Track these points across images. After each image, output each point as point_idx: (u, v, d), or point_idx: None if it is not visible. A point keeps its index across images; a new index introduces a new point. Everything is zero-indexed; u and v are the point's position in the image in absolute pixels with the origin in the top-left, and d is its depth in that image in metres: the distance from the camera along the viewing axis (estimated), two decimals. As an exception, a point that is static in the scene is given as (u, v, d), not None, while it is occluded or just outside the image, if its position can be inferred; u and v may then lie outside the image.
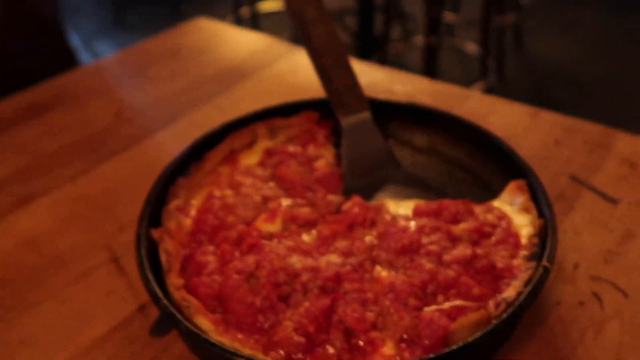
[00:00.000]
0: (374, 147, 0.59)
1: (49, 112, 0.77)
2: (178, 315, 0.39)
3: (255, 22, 2.61)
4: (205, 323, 0.40)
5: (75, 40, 2.87)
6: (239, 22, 2.60)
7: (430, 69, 2.11)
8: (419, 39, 2.39)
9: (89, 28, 3.15)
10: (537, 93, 2.37)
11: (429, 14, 2.02)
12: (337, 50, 0.59)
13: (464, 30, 2.65)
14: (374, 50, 2.33)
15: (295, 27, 0.60)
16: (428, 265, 0.44)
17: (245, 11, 2.63)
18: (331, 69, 0.59)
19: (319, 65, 0.59)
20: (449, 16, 2.52)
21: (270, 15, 2.66)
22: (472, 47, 2.41)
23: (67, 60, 1.06)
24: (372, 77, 0.79)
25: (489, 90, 2.17)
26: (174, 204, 0.50)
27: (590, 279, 0.49)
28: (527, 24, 2.66)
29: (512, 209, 0.49)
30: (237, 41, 0.94)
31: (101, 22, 3.23)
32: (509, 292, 0.41)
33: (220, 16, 1.00)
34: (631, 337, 0.44)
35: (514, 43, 2.58)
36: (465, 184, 0.57)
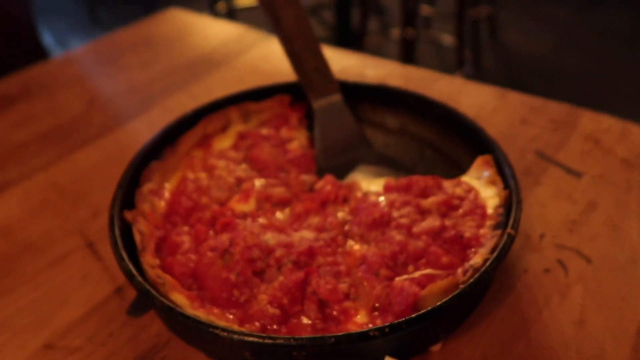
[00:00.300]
0: (345, 128, 0.60)
1: (19, 103, 0.76)
2: (153, 292, 0.40)
3: (232, 17, 2.60)
4: (180, 299, 0.41)
5: (48, 39, 2.82)
6: (215, 16, 2.58)
7: (407, 61, 2.13)
8: (396, 32, 2.42)
9: (63, 26, 3.09)
10: (512, 83, 2.41)
11: (405, 6, 2.04)
12: (306, 34, 0.60)
13: (440, 23, 2.68)
14: (352, 43, 2.35)
15: (265, 12, 0.61)
16: (398, 237, 0.45)
17: (221, 6, 2.62)
18: (301, 52, 0.60)
19: (289, 49, 0.60)
20: (425, 9, 2.55)
21: (247, 10, 2.65)
22: (448, 39, 2.44)
23: (40, 59, 1.05)
24: (344, 62, 0.80)
25: (465, 81, 2.20)
26: (147, 186, 0.50)
27: (555, 248, 0.51)
28: (502, 16, 2.71)
29: (480, 183, 0.51)
30: (209, 31, 0.94)
31: (75, 21, 3.18)
32: (476, 259, 0.42)
33: (196, 11, 1.00)
34: (593, 300, 0.46)
35: (489, 35, 2.62)
36: (435, 162, 0.59)
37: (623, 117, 0.65)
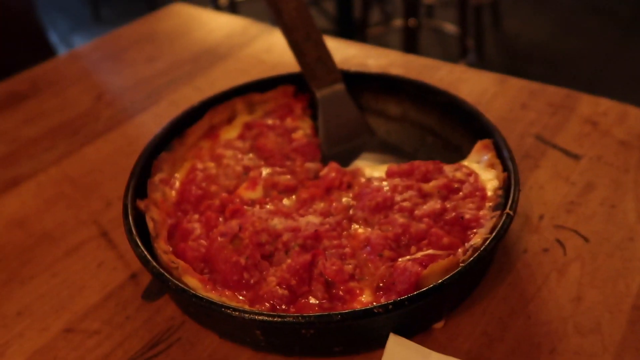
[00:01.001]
0: (348, 116, 0.61)
1: (28, 100, 0.78)
2: (167, 275, 0.42)
3: (234, 10, 2.61)
4: (193, 282, 0.43)
5: (53, 37, 2.84)
6: (217, 10, 2.59)
7: (410, 51, 2.13)
8: (398, 22, 2.41)
9: (66, 24, 3.11)
10: (515, 70, 2.41)
11: (407, -5, 2.03)
12: (307, 24, 0.61)
13: (443, 11, 2.67)
14: (354, 34, 2.35)
15: (266, 3, 0.62)
16: (401, 220, 0.47)
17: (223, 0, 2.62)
18: (303, 43, 0.61)
19: (291, 40, 0.62)
20: (427, -3, 2.54)
21: (248, 3, 2.65)
22: (451, 28, 2.44)
23: (47, 57, 1.07)
24: (346, 52, 0.81)
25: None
26: (158, 176, 0.52)
27: (554, 228, 0.52)
28: (504, 3, 2.70)
29: (479, 166, 0.52)
30: (212, 24, 0.95)
31: (78, 18, 3.20)
32: (476, 239, 0.44)
33: (198, 5, 1.02)
34: (590, 277, 0.47)
35: (492, 22, 2.62)
36: (436, 148, 0.60)
37: (625, 101, 0.66)
